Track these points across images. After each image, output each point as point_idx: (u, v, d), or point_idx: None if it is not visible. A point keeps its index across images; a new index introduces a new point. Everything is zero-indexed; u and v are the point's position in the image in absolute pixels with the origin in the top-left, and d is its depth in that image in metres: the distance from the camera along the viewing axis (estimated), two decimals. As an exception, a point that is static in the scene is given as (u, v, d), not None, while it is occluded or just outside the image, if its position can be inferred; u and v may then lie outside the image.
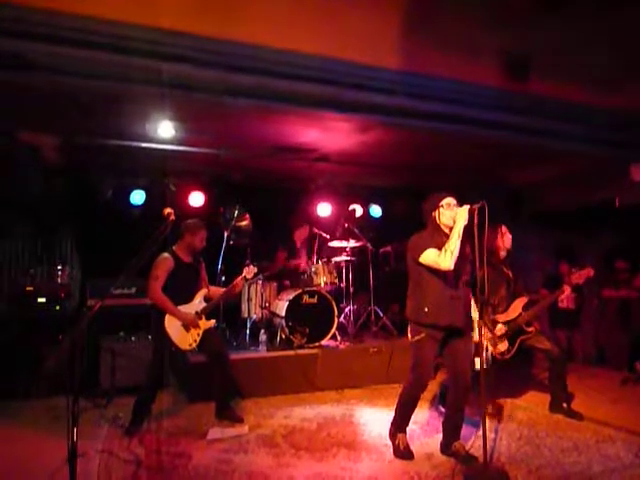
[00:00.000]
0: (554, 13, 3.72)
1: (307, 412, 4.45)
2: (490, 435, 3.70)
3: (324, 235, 6.48)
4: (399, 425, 3.49)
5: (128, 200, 6.12)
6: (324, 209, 7.04)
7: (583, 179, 6.08)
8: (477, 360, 3.22)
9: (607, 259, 6.43)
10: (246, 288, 5.79)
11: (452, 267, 3.11)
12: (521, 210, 7.13)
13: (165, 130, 4.58)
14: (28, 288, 5.16)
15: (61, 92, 3.70)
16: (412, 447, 3.47)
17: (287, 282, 6.32)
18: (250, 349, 5.42)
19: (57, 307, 5.18)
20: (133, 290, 5.38)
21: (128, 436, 3.76)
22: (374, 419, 4.27)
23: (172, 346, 3.91)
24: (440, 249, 3.14)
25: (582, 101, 4.12)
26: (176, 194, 6.13)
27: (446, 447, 3.42)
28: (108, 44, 3.19)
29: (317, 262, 5.94)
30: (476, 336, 3.72)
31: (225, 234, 5.84)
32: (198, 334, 4.04)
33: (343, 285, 6.20)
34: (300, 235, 6.53)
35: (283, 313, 5.43)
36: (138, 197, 6.14)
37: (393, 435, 3.49)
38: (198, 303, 4.12)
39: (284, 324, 5.41)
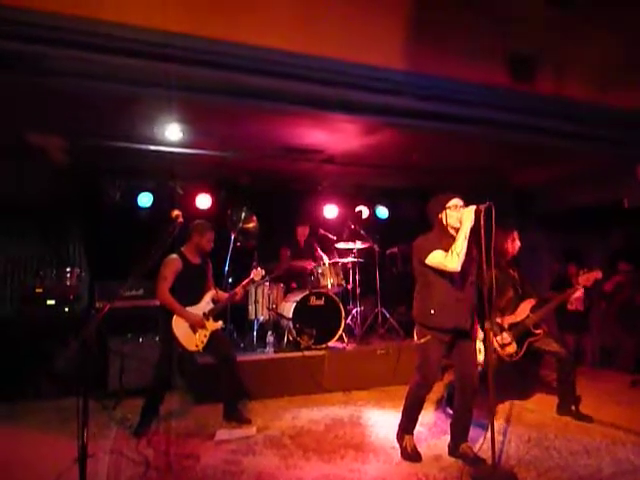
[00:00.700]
0: (561, 11, 3.72)
1: (314, 413, 4.45)
2: (498, 437, 3.68)
3: (331, 236, 6.49)
4: (406, 427, 3.48)
5: (136, 202, 6.16)
6: (331, 210, 7.05)
7: (591, 179, 6.04)
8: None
9: (612, 260, 6.39)
10: (253, 290, 5.80)
11: (459, 269, 3.10)
12: (528, 210, 7.11)
13: (173, 133, 4.61)
14: (37, 290, 5.20)
15: (70, 95, 3.73)
16: (420, 449, 3.46)
17: (294, 284, 6.32)
18: (257, 351, 5.43)
19: (66, 309, 5.23)
20: (141, 292, 5.40)
21: (137, 437, 3.78)
22: (382, 421, 4.26)
23: (179, 347, 3.92)
24: (447, 251, 3.13)
25: (590, 100, 4.10)
26: (183, 196, 6.17)
27: (454, 449, 3.41)
28: (117, 47, 3.21)
29: (324, 264, 5.95)
30: (481, 336, 3.71)
31: (232, 236, 5.86)
32: (205, 335, 4.05)
33: (350, 287, 6.20)
34: (302, 233, 6.52)
35: (290, 315, 5.43)
36: (146, 199, 6.18)
37: (400, 437, 3.48)
38: (206, 304, 4.14)
39: (291, 326, 5.42)
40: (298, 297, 5.53)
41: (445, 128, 4.37)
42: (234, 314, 5.78)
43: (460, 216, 3.18)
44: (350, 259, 6.16)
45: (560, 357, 4.18)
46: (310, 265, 6.00)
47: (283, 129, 4.75)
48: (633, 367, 5.73)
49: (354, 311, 6.16)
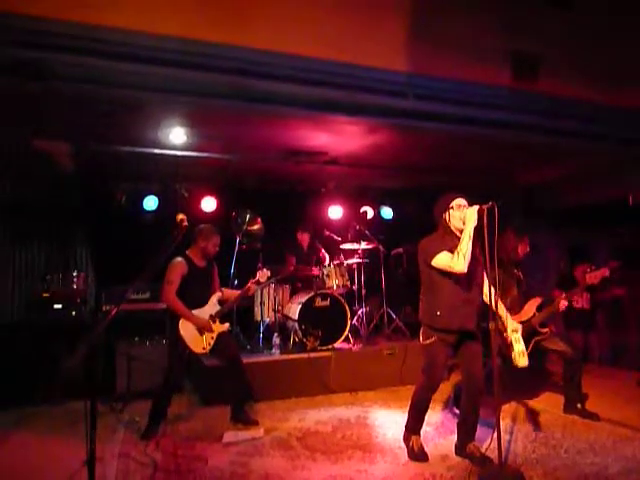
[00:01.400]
0: (564, 10, 3.72)
1: (321, 414, 4.47)
2: (505, 437, 3.68)
3: (335, 237, 6.50)
4: (412, 427, 3.49)
5: (141, 206, 6.20)
6: (335, 212, 7.07)
7: (596, 177, 6.03)
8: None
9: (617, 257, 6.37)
10: (259, 292, 5.82)
11: (465, 269, 3.09)
12: (534, 209, 7.09)
13: (177, 136, 4.64)
14: (44, 294, 5.24)
15: (76, 100, 3.77)
16: (427, 449, 3.47)
17: (299, 285, 6.34)
18: (264, 352, 5.45)
19: (73, 312, 5.26)
20: (147, 295, 5.44)
21: (145, 440, 3.81)
22: (388, 421, 4.27)
23: (186, 349, 3.94)
24: (451, 252, 3.13)
25: (593, 99, 4.10)
26: (188, 199, 6.20)
27: (461, 449, 3.41)
28: (123, 53, 3.25)
29: (329, 265, 5.96)
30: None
31: (237, 238, 5.88)
32: (212, 337, 4.07)
33: (355, 287, 6.21)
34: (302, 239, 6.52)
35: (296, 316, 5.45)
36: (151, 203, 6.22)
37: (407, 437, 3.50)
38: (212, 306, 4.16)
39: (297, 327, 5.43)
40: (304, 298, 5.55)
41: (449, 129, 4.38)
42: (240, 316, 5.81)
43: (463, 216, 3.18)
44: (355, 260, 6.17)
45: (566, 356, 4.17)
46: (315, 271, 6.01)
47: (287, 131, 4.78)
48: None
49: (360, 312, 6.17)
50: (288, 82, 3.75)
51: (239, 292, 4.34)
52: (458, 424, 3.48)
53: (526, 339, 4.16)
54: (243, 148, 5.31)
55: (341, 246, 6.34)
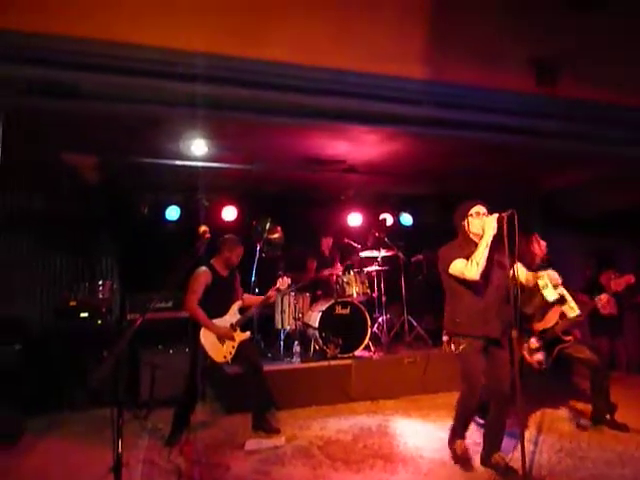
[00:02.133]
0: (584, 14, 3.68)
1: (342, 423, 4.46)
2: (530, 447, 3.63)
3: (355, 245, 6.51)
4: (457, 432, 3.51)
5: (164, 216, 6.32)
6: (354, 219, 7.07)
7: (621, 182, 5.91)
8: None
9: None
10: (279, 300, 5.86)
11: (478, 277, 3.08)
12: (554, 215, 6.99)
13: (198, 148, 4.73)
14: (71, 303, 5.37)
15: (102, 116, 3.87)
16: (448, 459, 3.44)
17: (320, 293, 6.36)
18: (284, 360, 5.48)
19: (99, 321, 5.36)
20: (170, 304, 5.52)
21: (168, 446, 3.86)
22: (410, 430, 4.25)
23: (207, 359, 3.99)
24: (469, 259, 3.13)
25: (616, 103, 4.04)
26: (209, 209, 6.29)
27: (486, 458, 3.37)
28: (145, 70, 3.34)
29: (349, 272, 5.96)
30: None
31: (258, 247, 5.94)
32: (233, 347, 4.12)
33: (375, 295, 6.20)
34: (326, 244, 6.57)
35: (316, 324, 5.46)
36: (173, 213, 6.34)
37: (452, 441, 3.52)
38: (233, 315, 4.21)
39: (317, 335, 5.44)
40: (324, 306, 5.57)
41: (467, 136, 4.36)
42: (261, 324, 5.85)
43: (482, 224, 3.17)
44: (375, 267, 6.16)
45: (592, 365, 4.09)
46: (335, 272, 6.04)
47: (305, 141, 4.82)
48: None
49: (380, 319, 6.16)
50: (306, 93, 3.80)
51: (260, 299, 4.39)
52: (484, 434, 3.44)
53: (549, 347, 4.11)
54: (263, 158, 5.37)
55: (361, 254, 6.35)
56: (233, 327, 4.14)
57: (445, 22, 3.95)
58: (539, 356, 4.10)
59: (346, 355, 5.41)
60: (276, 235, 6.10)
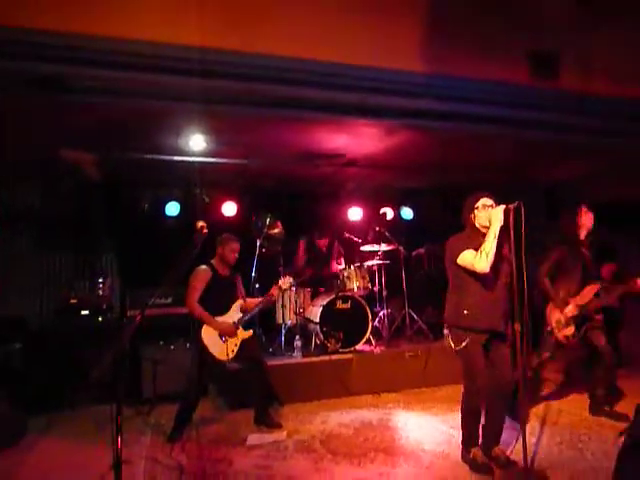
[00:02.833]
0: (585, 5, 3.66)
1: (344, 417, 4.47)
2: (531, 439, 3.63)
3: (355, 239, 6.50)
4: (468, 441, 3.34)
5: (164, 212, 6.30)
6: (355, 213, 7.06)
7: (618, 175, 5.89)
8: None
9: None
10: (280, 295, 5.86)
11: (488, 269, 3.06)
12: (558, 207, 6.97)
13: (197, 143, 4.71)
14: (72, 301, 5.37)
15: (100, 111, 3.86)
16: (451, 451, 3.44)
17: (321, 288, 6.36)
18: (285, 355, 5.48)
19: (99, 318, 5.37)
20: (170, 300, 5.52)
21: (170, 442, 3.87)
22: (411, 423, 4.26)
23: (209, 357, 3.99)
24: (477, 250, 3.11)
25: (614, 95, 4.01)
26: (209, 204, 6.28)
27: (486, 452, 3.36)
28: (141, 64, 3.31)
29: (349, 267, 5.96)
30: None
31: (258, 242, 5.93)
32: (236, 344, 4.11)
33: (376, 289, 6.19)
34: (322, 244, 6.55)
35: (317, 319, 5.46)
36: (173, 209, 6.32)
37: (466, 452, 3.33)
38: (234, 314, 4.20)
39: (318, 330, 5.44)
40: (325, 301, 5.56)
41: (468, 128, 4.35)
42: (262, 319, 5.85)
43: (489, 216, 3.15)
44: (376, 261, 6.16)
45: (603, 355, 4.04)
46: (333, 267, 6.03)
47: (305, 135, 4.80)
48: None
49: (381, 313, 6.15)
50: (306, 86, 3.77)
51: (261, 300, 4.38)
52: (484, 427, 3.41)
53: (579, 324, 4.06)
54: (262, 152, 5.35)
55: (361, 248, 6.34)
56: (235, 325, 4.14)
57: (445, 14, 3.94)
58: (569, 330, 4.05)
59: (347, 349, 5.42)
60: (276, 230, 6.09)
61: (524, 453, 2.89)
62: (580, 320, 4.09)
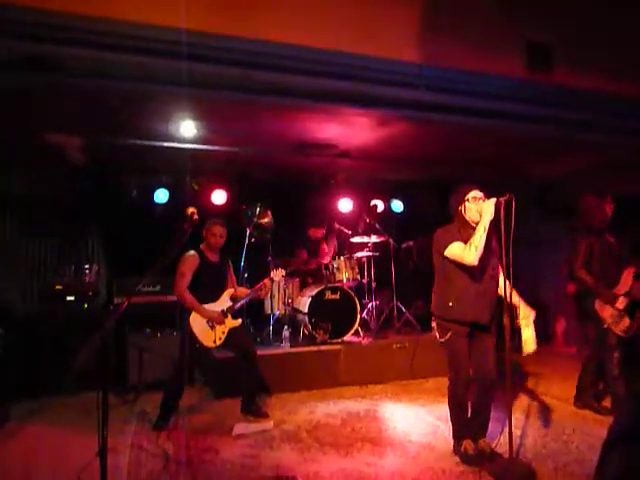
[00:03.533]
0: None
1: (331, 407, 4.48)
2: (516, 432, 3.66)
3: (346, 231, 6.48)
4: (459, 434, 3.33)
5: (152, 199, 6.23)
6: (345, 205, 7.03)
7: (613, 171, 5.92)
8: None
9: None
10: (271, 286, 5.81)
11: (476, 262, 3.06)
12: (548, 203, 7.02)
13: (187, 129, 4.64)
14: (57, 287, 5.29)
15: (88, 94, 3.78)
16: (437, 443, 3.45)
17: (310, 279, 6.34)
18: (274, 345, 5.47)
19: (85, 305, 5.30)
20: (158, 287, 5.47)
21: (156, 431, 3.84)
22: (398, 414, 4.28)
23: (197, 343, 3.96)
24: (466, 243, 3.10)
25: (609, 90, 4.02)
26: (199, 192, 6.21)
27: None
28: (132, 46, 3.25)
29: (339, 258, 5.95)
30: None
31: (247, 231, 5.89)
32: (223, 332, 4.08)
33: (365, 281, 6.19)
34: (315, 233, 6.54)
35: (306, 309, 5.45)
36: (162, 196, 6.25)
37: (458, 445, 3.32)
38: (223, 302, 4.16)
39: (307, 320, 5.44)
40: (314, 292, 5.55)
41: (461, 120, 4.33)
42: (251, 309, 5.82)
43: (480, 209, 3.14)
44: (365, 253, 6.15)
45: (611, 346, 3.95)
46: (325, 259, 6.02)
47: (297, 124, 4.75)
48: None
49: (369, 305, 6.16)
50: (298, 74, 3.73)
51: (250, 290, 4.34)
52: (470, 419, 3.44)
53: (631, 313, 3.94)
54: (253, 141, 5.29)
55: (351, 239, 6.33)
56: (224, 313, 4.10)
57: (441, 7, 3.91)
58: (624, 322, 3.90)
59: (335, 340, 5.42)
60: (266, 219, 6.04)
61: (510, 445, 2.92)
62: (630, 308, 3.92)
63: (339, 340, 5.45)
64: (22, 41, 3.09)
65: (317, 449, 3.51)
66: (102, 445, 2.21)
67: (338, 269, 5.85)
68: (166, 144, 4.99)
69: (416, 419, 4.13)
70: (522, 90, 4.01)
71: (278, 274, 4.37)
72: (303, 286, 6.19)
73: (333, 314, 5.48)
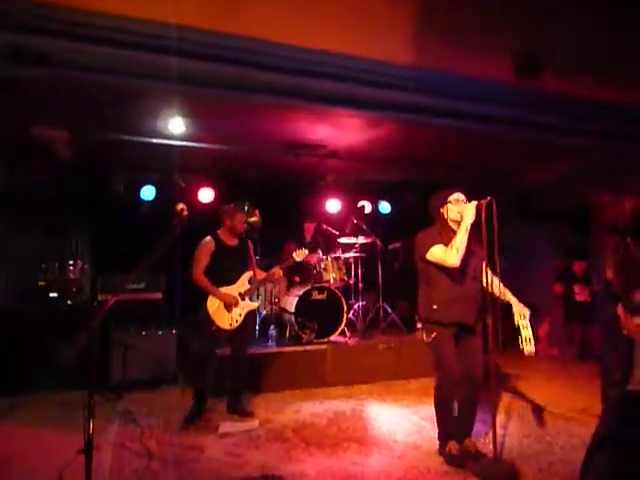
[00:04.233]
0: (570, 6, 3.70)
1: (317, 407, 4.47)
2: (500, 432, 3.70)
3: (333, 231, 6.49)
4: (444, 434, 3.34)
5: (139, 195, 6.17)
6: (333, 205, 7.05)
7: (594, 177, 6.02)
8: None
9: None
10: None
11: (458, 264, 3.08)
12: (529, 209, 7.12)
13: (176, 126, 4.61)
14: (40, 283, 5.22)
15: (75, 88, 3.72)
16: (422, 443, 3.47)
17: (297, 278, 6.33)
18: (260, 345, 5.44)
19: (69, 301, 5.23)
20: (142, 285, 5.42)
21: (188, 423, 3.92)
22: (384, 414, 4.29)
23: (212, 325, 3.97)
24: (447, 246, 3.13)
25: (595, 98, 4.09)
26: (186, 190, 6.16)
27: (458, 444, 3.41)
28: (120, 40, 3.20)
29: (327, 258, 5.95)
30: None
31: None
32: (240, 315, 4.11)
33: (352, 281, 6.21)
34: (309, 229, 6.54)
35: (292, 309, 5.44)
36: (148, 192, 6.19)
37: (443, 446, 3.33)
38: (242, 285, 4.18)
39: (293, 320, 5.43)
40: (300, 291, 5.54)
41: (449, 123, 4.36)
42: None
43: (461, 211, 3.17)
44: (352, 254, 6.16)
45: None
46: (314, 258, 6.01)
47: (287, 124, 4.74)
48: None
49: (356, 306, 6.17)
50: (289, 74, 3.72)
51: (269, 273, 4.34)
52: (455, 419, 3.46)
53: None
54: (242, 140, 5.27)
55: (339, 240, 6.34)
56: (242, 296, 4.13)
57: (432, 9, 3.93)
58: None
59: (321, 340, 5.42)
60: (254, 219, 6.01)
61: (494, 445, 2.95)
62: None
63: (325, 340, 5.46)
64: (7, 33, 3.03)
65: (303, 448, 3.50)
66: (87, 443, 2.17)
67: (325, 269, 5.85)
68: (154, 140, 4.95)
69: (402, 419, 4.15)
70: (511, 95, 4.05)
71: (300, 254, 4.35)
72: (290, 286, 6.18)
73: (320, 314, 5.48)
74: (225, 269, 4.10)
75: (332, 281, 5.81)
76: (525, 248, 6.98)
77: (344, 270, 5.99)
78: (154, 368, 4.97)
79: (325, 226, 6.55)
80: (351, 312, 6.04)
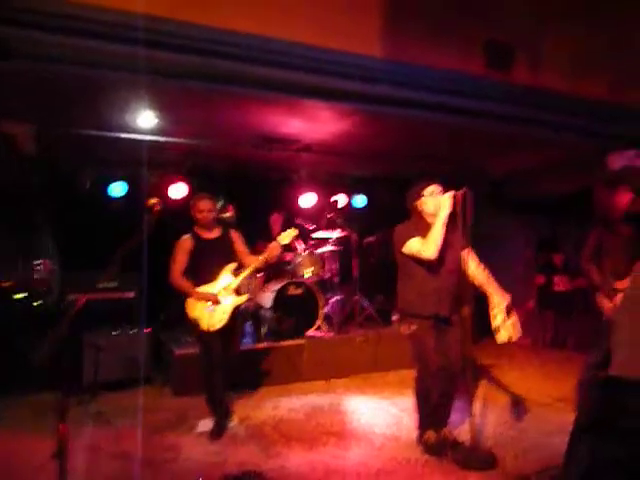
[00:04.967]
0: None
1: (295, 402, 4.46)
2: (476, 420, 3.74)
3: (308, 226, 6.46)
4: (422, 423, 3.38)
5: (107, 192, 6.00)
6: (307, 200, 6.99)
7: (564, 168, 6.15)
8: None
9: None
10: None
11: (435, 256, 3.10)
12: (501, 199, 7.23)
13: (145, 120, 4.49)
14: (4, 284, 5.03)
15: (38, 79, 3.58)
16: (400, 433, 3.50)
17: (272, 274, 6.28)
18: (236, 341, 5.38)
19: (36, 302, 5.07)
20: (115, 284, 5.28)
21: (216, 437, 3.65)
22: (362, 407, 4.30)
23: (197, 327, 3.75)
24: (424, 238, 3.15)
25: (564, 90, 4.16)
26: (158, 185, 6.02)
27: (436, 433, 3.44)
28: (86, 30, 3.09)
29: (302, 253, 5.92)
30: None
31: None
32: (224, 312, 3.79)
33: (328, 276, 6.19)
34: (276, 221, 6.44)
35: (269, 305, 5.40)
36: (118, 189, 6.02)
37: (420, 435, 3.37)
38: (223, 280, 3.88)
39: (270, 315, 5.38)
40: (277, 287, 5.51)
41: (421, 116, 4.36)
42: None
43: (437, 203, 3.19)
44: (328, 248, 6.15)
45: None
46: (289, 256, 5.97)
47: (259, 117, 4.67)
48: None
49: (332, 300, 6.16)
50: (259, 65, 3.66)
51: (266, 252, 3.95)
52: (433, 409, 3.48)
53: None
54: (214, 134, 5.18)
55: (313, 234, 6.31)
56: (225, 292, 3.84)
57: (405, 1, 3.93)
58: None
59: (298, 335, 5.40)
60: (228, 214, 5.93)
61: (472, 433, 2.99)
62: None
63: (302, 335, 5.43)
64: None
65: (282, 444, 3.49)
66: (60, 446, 2.10)
67: (301, 264, 5.82)
68: (123, 135, 4.82)
69: (380, 411, 4.17)
70: (482, 87, 4.08)
71: (286, 235, 3.98)
72: (266, 281, 6.13)
73: (296, 309, 5.46)
74: (207, 266, 3.85)
75: (308, 276, 5.79)
76: (497, 238, 7.09)
77: (320, 264, 5.98)
78: (127, 369, 4.86)
79: (299, 220, 6.49)
80: (328, 306, 6.03)
